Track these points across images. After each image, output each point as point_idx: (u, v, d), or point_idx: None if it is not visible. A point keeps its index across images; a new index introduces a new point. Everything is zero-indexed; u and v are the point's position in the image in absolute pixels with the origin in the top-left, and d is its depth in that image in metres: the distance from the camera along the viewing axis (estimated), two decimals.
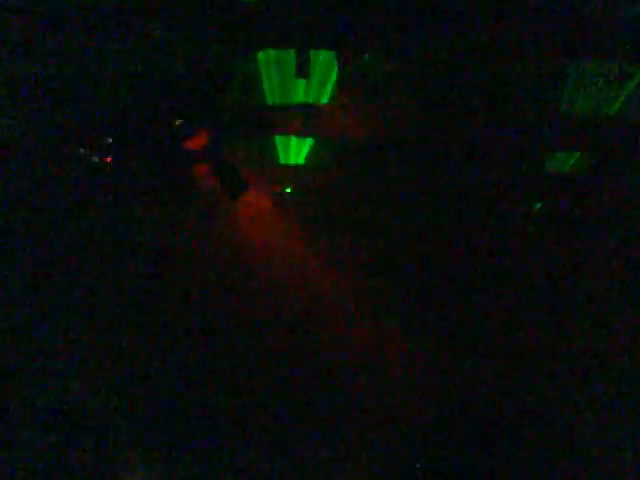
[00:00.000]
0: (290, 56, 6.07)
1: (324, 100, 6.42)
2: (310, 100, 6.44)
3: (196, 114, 5.46)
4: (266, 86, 6.30)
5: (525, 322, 6.27)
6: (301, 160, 6.75)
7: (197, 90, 5.41)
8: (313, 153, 6.68)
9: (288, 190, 6.91)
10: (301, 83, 6.37)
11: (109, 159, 5.60)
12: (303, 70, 5.92)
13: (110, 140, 5.46)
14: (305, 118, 6.27)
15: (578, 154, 6.45)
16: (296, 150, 6.72)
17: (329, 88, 6.34)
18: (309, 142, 6.70)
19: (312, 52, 6.15)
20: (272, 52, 6.11)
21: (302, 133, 6.50)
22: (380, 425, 5.99)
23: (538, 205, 6.80)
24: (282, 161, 6.70)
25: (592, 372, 6.08)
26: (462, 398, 6.03)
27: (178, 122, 5.46)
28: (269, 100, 6.26)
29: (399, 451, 5.74)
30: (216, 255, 6.23)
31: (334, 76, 6.25)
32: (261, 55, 6.18)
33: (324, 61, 6.26)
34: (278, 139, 6.56)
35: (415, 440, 5.72)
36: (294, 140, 6.66)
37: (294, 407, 6.09)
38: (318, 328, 6.41)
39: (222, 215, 6.16)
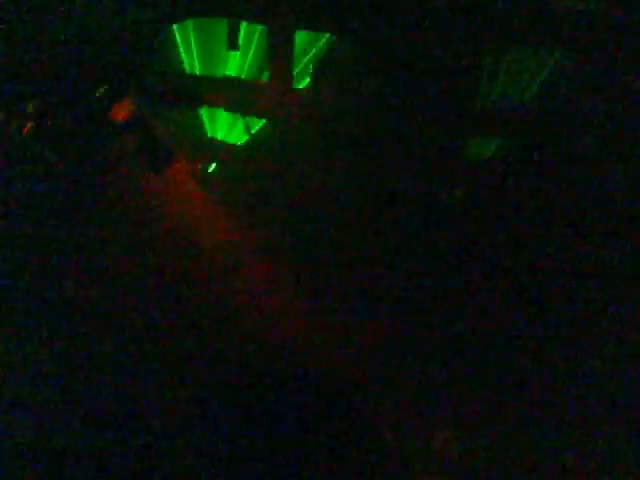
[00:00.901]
0: (221, 26, 5.96)
1: (257, 76, 6.34)
2: (242, 75, 6.35)
3: (121, 83, 5.29)
4: (194, 56, 6.18)
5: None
6: (231, 138, 6.64)
7: (121, 58, 5.24)
8: (242, 132, 6.58)
9: (211, 168, 6.75)
10: (233, 56, 6.27)
11: (29, 124, 5.36)
12: (234, 42, 5.82)
13: (32, 106, 5.23)
14: (236, 93, 6.17)
15: (497, 141, 6.58)
16: (225, 126, 6.60)
17: (264, 64, 6.27)
18: (239, 119, 6.58)
19: (247, 26, 6.07)
20: (201, 21, 6.00)
21: (231, 108, 6.38)
22: None
23: (459, 192, 6.90)
24: (209, 135, 6.59)
25: None
26: None
27: (102, 90, 5.28)
28: (196, 70, 6.15)
29: None
30: (138, 231, 6.08)
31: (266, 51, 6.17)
32: (190, 23, 6.05)
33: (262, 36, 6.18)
34: (204, 112, 6.44)
35: None
36: (223, 115, 6.54)
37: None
38: (241, 312, 6.33)
39: (145, 189, 5.99)
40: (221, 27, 5.98)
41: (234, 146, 6.48)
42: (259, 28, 6.02)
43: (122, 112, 5.37)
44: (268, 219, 6.42)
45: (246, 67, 6.36)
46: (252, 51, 6.25)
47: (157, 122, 5.59)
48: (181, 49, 6.12)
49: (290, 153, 6.32)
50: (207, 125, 6.55)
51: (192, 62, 6.21)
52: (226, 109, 6.37)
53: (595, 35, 5.74)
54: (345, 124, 6.20)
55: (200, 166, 6.47)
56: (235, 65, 6.28)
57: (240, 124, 6.45)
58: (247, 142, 6.44)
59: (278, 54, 5.93)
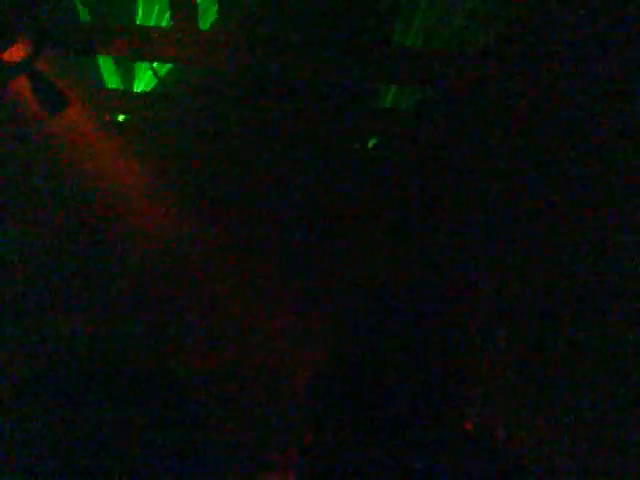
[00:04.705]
0: None
1: (161, 23, 6.13)
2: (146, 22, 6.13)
3: (11, 25, 5.02)
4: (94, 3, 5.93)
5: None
6: (137, 87, 6.42)
7: (13, 2, 4.98)
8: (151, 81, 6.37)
9: (121, 118, 6.54)
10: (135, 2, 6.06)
11: None
12: None
13: None
14: (137, 41, 5.92)
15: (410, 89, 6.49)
16: (129, 74, 6.38)
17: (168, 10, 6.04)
18: (145, 68, 6.36)
19: None
20: None
21: (131, 57, 6.16)
22: None
23: (373, 141, 6.84)
24: (110, 85, 6.35)
25: None
26: None
27: None
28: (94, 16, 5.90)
29: None
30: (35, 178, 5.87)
31: None
32: None
33: None
34: (103, 60, 6.20)
35: None
36: (125, 63, 6.32)
37: None
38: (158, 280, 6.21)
39: (43, 137, 5.75)
40: None
41: (140, 94, 6.27)
42: None
43: (14, 55, 5.13)
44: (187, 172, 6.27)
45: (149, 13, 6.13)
46: None
47: (51, 67, 5.35)
48: None
49: (204, 98, 6.17)
50: (106, 74, 6.31)
51: (92, 9, 5.95)
52: (129, 58, 6.15)
53: None
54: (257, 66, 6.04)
55: (108, 117, 6.26)
56: (137, 12, 6.04)
57: (145, 72, 6.24)
58: (155, 89, 6.24)
59: None
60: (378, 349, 5.82)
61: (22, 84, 5.15)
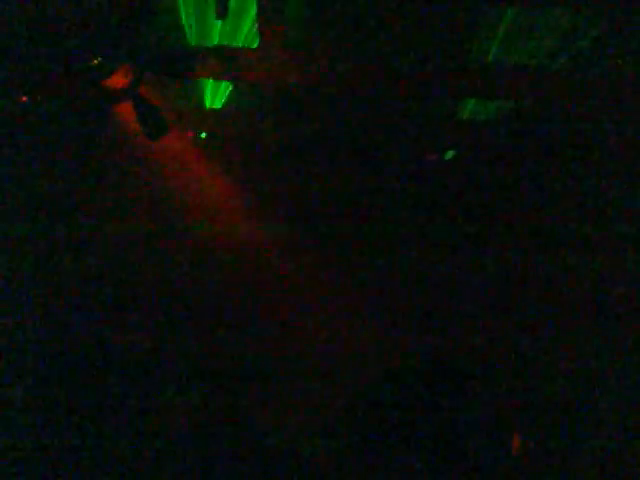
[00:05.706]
0: None
1: (241, 43, 6.25)
2: (228, 42, 6.26)
3: (115, 52, 5.18)
4: (186, 26, 6.07)
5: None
6: (218, 105, 6.58)
7: (114, 26, 5.13)
8: (232, 98, 6.52)
9: (203, 135, 6.72)
10: (218, 24, 6.18)
11: (24, 99, 5.23)
12: (222, 10, 5.70)
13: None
14: (222, 61, 6.07)
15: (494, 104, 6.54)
16: (213, 94, 6.54)
17: (246, 31, 6.18)
18: (226, 86, 6.52)
19: None
20: None
21: (219, 77, 6.31)
22: None
23: (451, 153, 6.90)
24: (199, 105, 6.52)
25: None
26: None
27: (96, 61, 5.17)
28: (189, 41, 6.05)
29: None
30: (133, 198, 6.08)
31: (251, 18, 6.08)
32: None
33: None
34: (197, 82, 6.37)
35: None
36: (211, 83, 6.48)
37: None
38: (239, 276, 6.36)
39: (141, 157, 5.95)
40: None
41: (219, 112, 6.44)
42: None
43: (119, 81, 5.29)
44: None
45: (233, 36, 6.27)
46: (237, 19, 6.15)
47: (155, 91, 5.51)
48: (181, 18, 6.02)
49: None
50: (208, 95, 6.51)
51: (190, 32, 6.10)
52: (214, 78, 6.31)
53: None
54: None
55: (193, 135, 6.46)
56: (228, 33, 6.17)
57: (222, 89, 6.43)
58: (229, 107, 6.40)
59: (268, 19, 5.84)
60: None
61: (126, 109, 5.36)
